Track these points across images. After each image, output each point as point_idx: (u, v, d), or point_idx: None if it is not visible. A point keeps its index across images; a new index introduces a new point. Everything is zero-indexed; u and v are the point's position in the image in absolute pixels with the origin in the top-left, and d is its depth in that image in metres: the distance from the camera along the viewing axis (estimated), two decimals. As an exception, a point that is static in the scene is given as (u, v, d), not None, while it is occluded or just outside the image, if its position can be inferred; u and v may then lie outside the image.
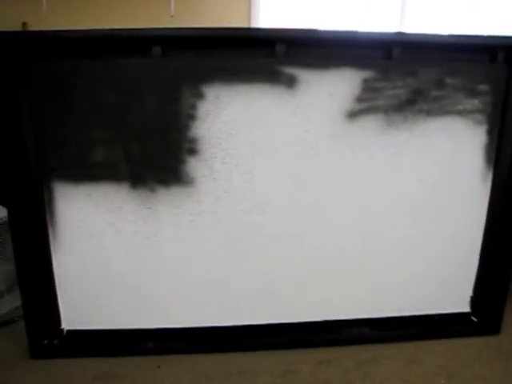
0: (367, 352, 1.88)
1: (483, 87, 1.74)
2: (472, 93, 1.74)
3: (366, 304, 1.92)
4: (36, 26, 2.67)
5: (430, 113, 1.73)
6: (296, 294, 1.86)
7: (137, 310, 1.83)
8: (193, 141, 1.63)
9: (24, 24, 2.71)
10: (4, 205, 2.06)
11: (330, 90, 1.65)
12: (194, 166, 1.66)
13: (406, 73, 1.68)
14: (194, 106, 1.60)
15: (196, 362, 1.81)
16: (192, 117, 1.61)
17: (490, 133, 1.79)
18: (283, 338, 1.89)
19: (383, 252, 1.86)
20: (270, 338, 1.88)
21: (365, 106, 1.69)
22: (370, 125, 1.71)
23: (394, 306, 1.94)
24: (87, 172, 1.66)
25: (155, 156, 1.65)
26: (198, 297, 1.83)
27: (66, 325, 1.85)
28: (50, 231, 1.73)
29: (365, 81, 1.67)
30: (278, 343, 1.88)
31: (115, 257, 1.76)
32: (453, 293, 1.98)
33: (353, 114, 1.69)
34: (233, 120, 1.63)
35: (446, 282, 1.94)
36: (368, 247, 1.85)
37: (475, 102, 1.75)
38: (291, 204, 1.74)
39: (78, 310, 1.84)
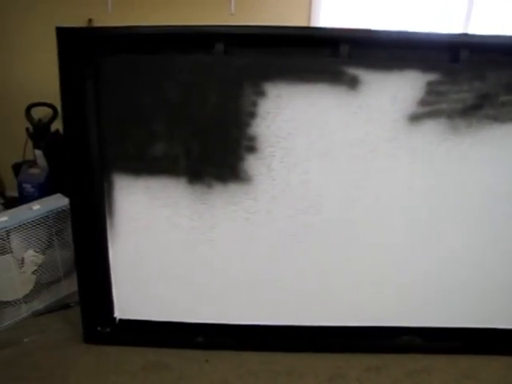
0: (418, 362, 1.83)
1: (556, 92, 1.66)
2: (544, 98, 1.66)
3: (419, 312, 1.87)
4: (101, 22, 2.76)
5: (496, 119, 1.66)
6: (348, 298, 1.83)
7: (188, 304, 1.85)
8: (252, 138, 1.63)
9: (90, 21, 2.81)
10: (66, 194, 2.14)
11: (393, 92, 1.61)
12: (252, 164, 1.66)
13: (474, 76, 1.61)
14: (254, 104, 1.60)
15: (244, 359, 1.83)
16: (252, 114, 1.61)
17: (561, 141, 1.70)
18: (332, 341, 1.87)
19: (441, 261, 1.80)
20: (319, 341, 1.87)
21: (428, 109, 1.64)
22: (432, 129, 1.65)
23: (449, 316, 1.88)
24: (146, 165, 1.69)
25: (214, 152, 1.66)
26: (250, 295, 1.83)
27: (119, 314, 1.90)
28: (108, 222, 1.77)
29: (429, 84, 1.61)
30: (326, 346, 1.87)
31: (170, 250, 1.79)
32: (512, 308, 1.89)
33: (415, 118, 1.64)
34: (293, 119, 1.62)
35: (505, 297, 1.86)
36: (425, 255, 1.79)
37: (547, 108, 1.67)
38: (347, 206, 1.72)
39: (131, 300, 1.88)
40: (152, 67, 1.61)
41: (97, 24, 2.80)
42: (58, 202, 2.16)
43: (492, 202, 1.73)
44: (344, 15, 2.70)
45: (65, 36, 1.57)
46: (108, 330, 1.90)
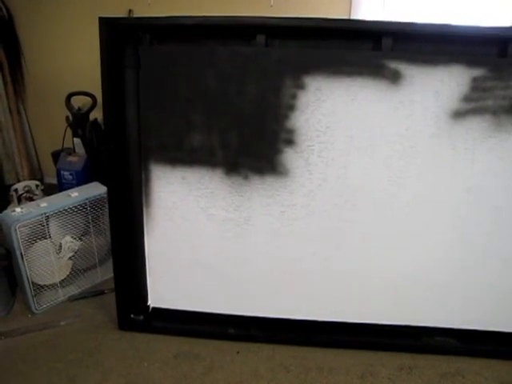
0: (452, 364, 1.79)
1: None
2: None
3: (455, 314, 1.83)
4: (141, 13, 2.79)
5: (544, 117, 1.60)
6: (383, 296, 1.81)
7: (221, 295, 1.86)
8: (291, 131, 1.62)
9: (130, 11, 2.84)
10: (103, 183, 2.18)
11: (436, 87, 1.57)
12: (290, 157, 1.65)
13: (521, 72, 1.57)
14: (294, 97, 1.59)
15: (275, 352, 1.83)
16: (292, 107, 1.60)
17: None
18: (365, 339, 1.85)
19: (480, 262, 1.75)
20: (351, 337, 1.86)
21: (472, 106, 1.59)
22: (476, 126, 1.60)
23: (486, 319, 1.83)
24: (184, 156, 1.70)
25: (252, 144, 1.65)
26: (283, 288, 1.83)
27: (152, 302, 1.93)
28: (145, 211, 1.80)
29: (474, 79, 1.56)
30: (359, 343, 1.85)
31: (205, 241, 1.79)
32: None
33: (458, 114, 1.59)
34: (332, 113, 1.60)
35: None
36: (464, 255, 1.74)
37: None
38: (385, 203, 1.69)
39: (165, 289, 1.91)
40: (192, 58, 1.61)
41: (137, 15, 2.83)
42: (96, 189, 2.21)
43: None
44: (386, 7, 2.64)
45: (107, 25, 1.58)
46: (141, 317, 1.93)
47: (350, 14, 2.59)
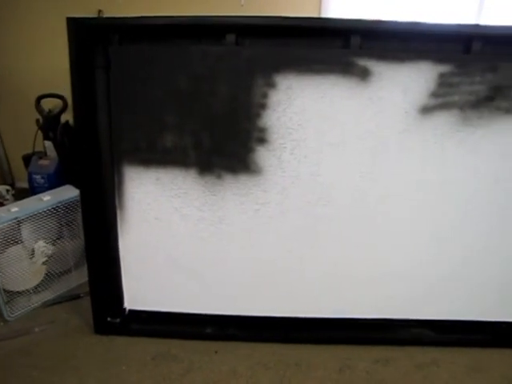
0: (427, 354, 1.84)
1: None
2: (557, 90, 1.64)
3: (428, 305, 1.87)
4: (111, 13, 2.74)
5: (508, 111, 1.64)
6: (358, 290, 1.84)
7: (198, 295, 1.86)
8: (263, 130, 1.63)
9: (100, 11, 2.80)
10: (76, 186, 2.15)
11: (404, 83, 1.60)
12: (263, 155, 1.65)
13: (486, 68, 1.60)
14: (265, 95, 1.60)
15: (253, 350, 1.83)
16: (263, 106, 1.61)
17: None
18: (342, 334, 1.87)
19: (451, 253, 1.80)
20: (328, 333, 1.88)
21: (439, 101, 1.62)
22: (444, 121, 1.64)
23: (458, 309, 1.88)
24: (157, 156, 1.69)
25: (224, 143, 1.66)
26: (259, 286, 1.84)
27: (129, 304, 1.92)
28: (118, 213, 1.78)
29: (441, 75, 1.60)
30: (336, 338, 1.87)
31: (179, 241, 1.79)
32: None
33: (426, 110, 1.63)
34: (303, 111, 1.61)
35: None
36: (436, 247, 1.79)
37: (560, 101, 1.65)
38: (358, 198, 1.71)
39: (141, 291, 1.90)
40: (163, 58, 1.61)
41: (107, 15, 2.79)
42: (68, 193, 2.17)
43: (503, 194, 1.72)
44: (354, 5, 2.68)
45: (75, 26, 1.57)
46: (118, 320, 1.91)
47: (319, 13, 2.62)
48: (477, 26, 1.69)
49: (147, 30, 1.63)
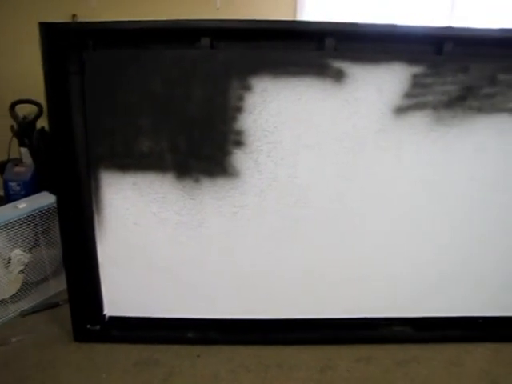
0: (407, 352, 1.86)
1: (538, 84, 1.68)
2: (526, 90, 1.68)
3: (408, 303, 1.90)
4: (85, 18, 2.73)
5: (480, 110, 1.68)
6: (338, 291, 1.85)
7: (178, 299, 1.85)
8: (239, 133, 1.63)
9: (74, 16, 2.78)
10: (52, 192, 2.12)
11: (379, 84, 1.62)
12: (240, 158, 1.66)
13: (457, 69, 1.63)
14: (241, 98, 1.60)
15: (235, 353, 1.83)
16: (239, 109, 1.61)
17: (543, 131, 1.73)
18: (322, 334, 1.88)
19: (429, 251, 1.83)
20: (309, 333, 1.88)
21: (413, 101, 1.65)
22: (419, 121, 1.67)
23: (436, 306, 1.91)
24: (134, 161, 1.68)
25: (201, 147, 1.65)
26: (240, 289, 1.84)
27: (109, 311, 1.90)
28: (96, 219, 1.76)
29: (414, 76, 1.63)
30: (317, 338, 1.88)
31: (159, 246, 1.78)
32: (498, 295, 1.92)
33: (401, 110, 1.65)
34: (279, 113, 1.62)
35: (490, 283, 1.89)
36: (413, 245, 1.82)
37: (529, 100, 1.69)
38: (336, 199, 1.73)
39: (121, 297, 1.88)
40: (138, 62, 1.60)
41: (81, 19, 2.77)
42: (45, 200, 2.15)
43: (477, 191, 1.76)
44: (330, 8, 2.71)
45: (48, 31, 1.55)
46: (98, 327, 1.89)
47: (295, 16, 2.63)
48: (448, 27, 1.72)
49: (122, 35, 1.62)
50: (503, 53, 1.68)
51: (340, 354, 1.83)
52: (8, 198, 2.74)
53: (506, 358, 1.84)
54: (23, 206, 2.08)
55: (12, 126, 2.89)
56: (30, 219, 2.05)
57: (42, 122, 2.83)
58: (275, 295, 1.85)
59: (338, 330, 1.89)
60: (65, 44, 1.58)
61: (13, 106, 2.86)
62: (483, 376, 1.75)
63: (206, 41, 1.60)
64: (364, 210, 1.75)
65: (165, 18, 1.56)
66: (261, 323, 1.87)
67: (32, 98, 2.81)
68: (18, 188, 2.77)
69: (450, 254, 1.84)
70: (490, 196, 1.77)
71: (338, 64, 1.60)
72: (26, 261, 2.08)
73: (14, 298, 2.08)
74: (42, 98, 2.58)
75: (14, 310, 2.08)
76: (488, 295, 1.91)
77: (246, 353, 1.83)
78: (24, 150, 2.88)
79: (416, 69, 1.62)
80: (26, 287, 2.13)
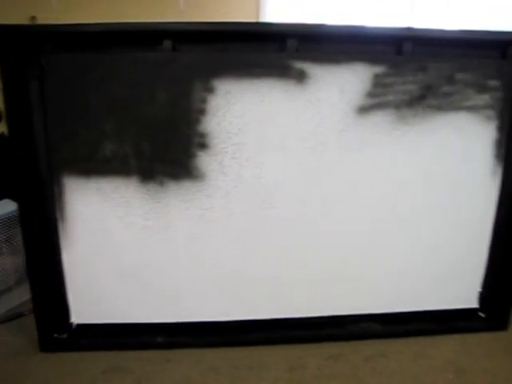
0: (375, 347, 1.88)
1: (494, 83, 1.73)
2: (482, 88, 1.73)
3: (374, 299, 1.92)
4: (45, 20, 2.66)
5: (440, 108, 1.72)
6: (306, 289, 1.86)
7: (147, 304, 1.83)
8: (203, 135, 1.63)
9: (33, 18, 2.71)
10: (14, 199, 2.07)
11: (341, 85, 1.65)
12: (205, 161, 1.66)
13: (417, 68, 1.68)
14: (204, 101, 1.60)
15: (205, 356, 1.82)
16: (203, 111, 1.61)
17: (500, 128, 1.78)
18: (292, 333, 1.89)
19: (393, 247, 1.86)
20: (278, 333, 1.88)
21: (375, 101, 1.68)
22: (381, 120, 1.70)
23: (402, 301, 1.94)
24: (97, 166, 1.66)
25: (165, 150, 1.65)
26: (208, 291, 1.83)
27: (76, 319, 1.86)
28: (60, 225, 1.73)
29: (376, 76, 1.66)
30: (286, 338, 1.88)
31: (125, 251, 1.76)
32: (461, 288, 1.98)
33: (363, 109, 1.68)
34: (243, 115, 1.63)
35: (454, 278, 1.94)
36: (378, 243, 1.85)
37: (486, 98, 1.74)
38: (301, 199, 1.74)
39: (88, 304, 1.84)
40: (98, 66, 1.58)
41: (40, 21, 2.71)
42: (6, 207, 2.09)
43: (438, 186, 1.81)
44: (292, 10, 2.73)
45: (6, 34, 1.52)
46: (65, 336, 1.85)
47: (258, 18, 2.64)
48: (407, 28, 1.76)
49: (82, 38, 1.60)
50: (460, 53, 1.73)
51: (310, 352, 1.85)
52: (-32, 206, 2.66)
53: (471, 348, 1.89)
54: (-16, 214, 2.02)
55: (-30, 133, 2.81)
56: (-9, 227, 1.99)
57: (1, 128, 2.76)
58: (244, 296, 1.85)
59: (307, 329, 1.90)
60: (23, 47, 1.54)
61: (-29, 112, 2.78)
62: (449, 366, 1.79)
63: (167, 43, 1.59)
64: (329, 210, 1.78)
65: (128, 21, 1.55)
66: (230, 325, 1.87)
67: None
68: (-21, 196, 2.69)
69: (412, 250, 1.88)
70: (450, 192, 1.82)
71: (300, 65, 1.62)
72: (-12, 271, 2.02)
73: (-23, 309, 2.02)
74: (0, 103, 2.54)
75: (-24, 321, 2.02)
76: (451, 289, 1.96)
77: (216, 355, 1.82)
78: (-17, 157, 2.79)
79: (377, 69, 1.66)
80: (-11, 298, 2.07)
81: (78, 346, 1.85)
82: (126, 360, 1.81)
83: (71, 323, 1.85)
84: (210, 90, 1.60)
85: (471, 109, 1.75)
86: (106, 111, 1.61)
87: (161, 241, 1.74)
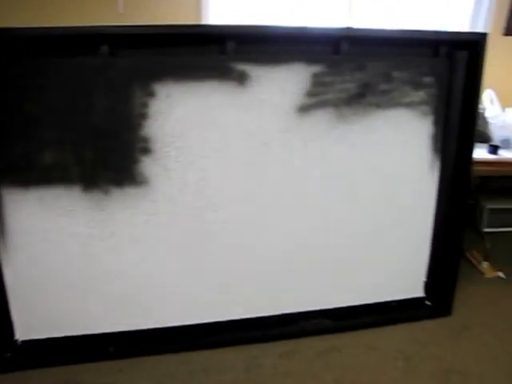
0: (328, 342, 1.92)
1: (428, 80, 1.81)
2: (418, 86, 1.80)
3: (325, 295, 1.96)
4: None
5: (378, 105, 1.78)
6: (256, 289, 1.88)
7: (96, 314, 1.79)
8: (146, 140, 1.61)
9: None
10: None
11: (281, 85, 1.67)
12: (148, 166, 1.63)
13: (355, 67, 1.72)
14: (145, 105, 1.58)
15: (159, 363, 1.80)
16: (144, 116, 1.59)
17: (436, 123, 1.86)
18: (245, 334, 1.90)
19: (339, 243, 1.90)
20: (232, 335, 1.89)
21: (315, 100, 1.71)
22: (321, 119, 1.74)
23: (352, 295, 1.99)
24: (37, 175, 1.60)
25: (108, 157, 1.61)
26: (158, 297, 1.81)
27: (21, 335, 1.78)
28: (0, 238, 1.66)
29: (315, 75, 1.69)
30: (240, 339, 1.89)
31: (71, 261, 1.71)
32: (407, 279, 2.05)
33: (304, 109, 1.71)
34: (185, 118, 1.62)
35: (400, 269, 2.02)
36: (324, 239, 1.88)
37: (421, 95, 1.81)
38: (246, 200, 1.75)
39: (34, 319, 1.77)
40: (34, 72, 1.53)
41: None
42: None
43: (380, 181, 1.86)
44: (234, 12, 2.74)
45: None
46: (9, 354, 1.77)
47: (199, 20, 2.63)
48: (343, 28, 1.80)
49: (13, 43, 1.53)
50: (396, 51, 1.80)
51: (265, 351, 1.86)
52: None
53: (418, 336, 1.96)
54: None
55: None
56: None
57: None
58: (194, 300, 1.84)
59: (260, 329, 1.91)
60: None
61: None
62: (398, 355, 1.85)
63: (105, 48, 1.56)
64: (274, 209, 1.80)
65: (65, 25, 1.51)
66: (183, 329, 1.85)
67: None
68: None
69: (358, 245, 1.93)
70: (392, 186, 1.88)
71: (240, 66, 1.62)
72: None
73: None
74: None
75: None
76: (398, 281, 2.04)
77: (170, 361, 1.80)
78: None
79: (316, 68, 1.69)
80: None
81: (24, 365, 1.77)
82: (77, 373, 1.76)
83: (16, 340, 1.78)
84: (151, 94, 1.58)
85: (408, 105, 1.81)
86: (45, 119, 1.56)
87: (106, 249, 1.70)
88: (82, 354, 1.81)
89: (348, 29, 1.88)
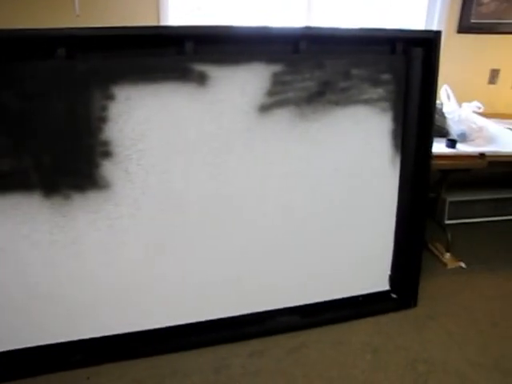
0: (296, 339, 1.94)
1: (386, 77, 1.85)
2: (376, 82, 1.84)
3: (292, 292, 1.98)
4: None
5: (338, 103, 1.81)
6: (222, 290, 1.88)
7: (60, 322, 1.75)
8: (106, 143, 1.59)
9: None
10: None
11: (241, 85, 1.67)
12: (110, 169, 1.61)
13: (314, 65, 1.74)
14: (104, 108, 1.56)
15: (127, 368, 1.77)
16: (103, 119, 1.56)
17: (395, 119, 1.90)
18: (213, 335, 1.89)
19: (304, 241, 1.92)
20: (199, 336, 1.88)
21: (276, 99, 1.73)
22: (283, 117, 1.75)
23: (319, 291, 2.02)
24: (-6, 183, 1.56)
25: (68, 161, 1.58)
26: (123, 302, 1.79)
27: (-24, 352, 1.72)
28: (-43, 250, 1.61)
29: (275, 75, 1.70)
30: (208, 340, 1.88)
31: (33, 269, 1.66)
32: (373, 273, 2.09)
33: (265, 108, 1.72)
34: (146, 120, 1.60)
35: (366, 264, 2.05)
36: (289, 238, 1.90)
37: (380, 91, 1.85)
38: (210, 201, 1.75)
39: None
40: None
41: None
42: None
43: (342, 178, 1.89)
44: (193, 12, 2.74)
45: None
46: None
47: (159, 21, 2.61)
48: (301, 28, 1.83)
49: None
50: (354, 49, 1.83)
51: (233, 351, 1.86)
52: None
53: (384, 328, 2.01)
54: None
55: None
56: None
57: None
58: (159, 304, 1.83)
59: (228, 329, 1.91)
60: None
61: None
62: (366, 348, 1.89)
63: (61, 51, 1.53)
64: (239, 208, 1.80)
65: (20, 27, 1.47)
66: (150, 334, 1.84)
67: None
68: None
69: (322, 240, 1.95)
70: (355, 182, 1.91)
71: (199, 67, 1.62)
72: None
73: None
74: None
75: None
76: (363, 275, 2.08)
77: (138, 366, 1.78)
78: None
79: (275, 67, 1.70)
80: None
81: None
82: (43, 384, 1.72)
83: (-29, 357, 1.72)
84: (110, 97, 1.56)
85: (367, 102, 1.85)
86: (1, 124, 1.52)
87: (70, 255, 1.67)
88: (45, 365, 1.76)
89: (307, 28, 1.92)
